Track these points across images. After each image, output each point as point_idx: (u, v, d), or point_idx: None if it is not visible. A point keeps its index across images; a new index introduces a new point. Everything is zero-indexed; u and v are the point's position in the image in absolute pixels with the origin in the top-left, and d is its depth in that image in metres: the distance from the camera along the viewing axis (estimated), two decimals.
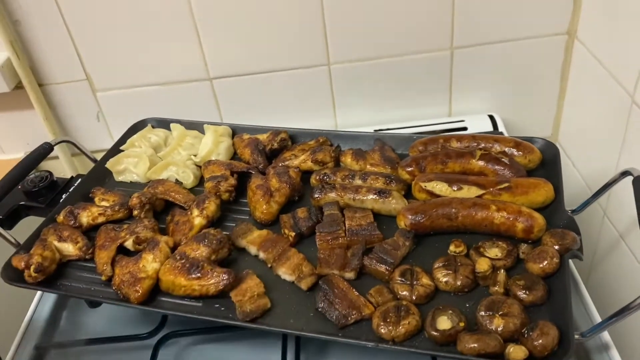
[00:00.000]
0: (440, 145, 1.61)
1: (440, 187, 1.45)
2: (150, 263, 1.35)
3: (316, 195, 1.52)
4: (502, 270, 1.25)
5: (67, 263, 1.46)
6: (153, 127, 1.90)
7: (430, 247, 1.37)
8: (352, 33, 1.89)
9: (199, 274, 1.30)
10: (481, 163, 1.50)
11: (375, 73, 1.97)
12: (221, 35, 1.89)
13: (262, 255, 1.40)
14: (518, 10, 1.84)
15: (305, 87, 2.01)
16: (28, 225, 1.64)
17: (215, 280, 1.28)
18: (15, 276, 1.39)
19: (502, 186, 1.40)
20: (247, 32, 1.88)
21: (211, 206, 1.49)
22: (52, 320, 1.54)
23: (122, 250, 1.44)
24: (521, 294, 1.19)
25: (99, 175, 1.75)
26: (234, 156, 1.79)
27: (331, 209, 1.46)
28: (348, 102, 2.06)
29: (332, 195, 1.50)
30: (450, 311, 1.17)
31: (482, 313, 1.15)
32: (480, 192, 1.41)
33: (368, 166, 1.61)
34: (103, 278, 1.38)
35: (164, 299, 1.34)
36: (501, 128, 1.95)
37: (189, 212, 1.50)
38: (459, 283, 1.24)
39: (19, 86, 1.95)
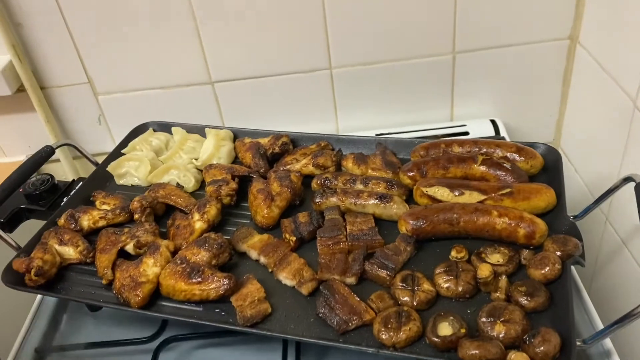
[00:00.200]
0: (441, 150, 1.60)
1: (441, 192, 1.44)
2: (150, 267, 1.34)
3: (317, 200, 1.52)
4: (504, 276, 1.24)
5: (67, 267, 1.46)
6: (154, 130, 1.90)
7: (432, 252, 1.37)
8: (353, 37, 1.89)
9: (199, 279, 1.30)
10: (483, 168, 1.50)
11: (377, 77, 1.97)
12: (223, 38, 1.89)
13: (262, 259, 1.40)
14: (520, 15, 1.84)
15: (307, 91, 2.01)
16: (29, 228, 1.64)
17: (216, 284, 1.28)
18: (15, 279, 1.39)
19: (504, 192, 1.40)
20: (249, 36, 1.88)
21: (212, 210, 1.49)
22: (53, 324, 1.54)
23: (122, 254, 1.44)
24: (523, 300, 1.18)
25: (100, 179, 1.76)
26: (235, 160, 1.79)
27: (332, 214, 1.46)
28: (349, 106, 2.06)
29: (334, 199, 1.50)
30: (452, 317, 1.16)
31: (484, 319, 1.15)
32: (482, 197, 1.41)
33: (369, 171, 1.61)
34: (103, 282, 1.38)
35: (164, 303, 1.33)
36: (503, 133, 1.95)
37: (190, 216, 1.49)
38: (460, 289, 1.24)
39: (20, 89, 1.95)
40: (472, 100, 2.04)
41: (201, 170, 1.72)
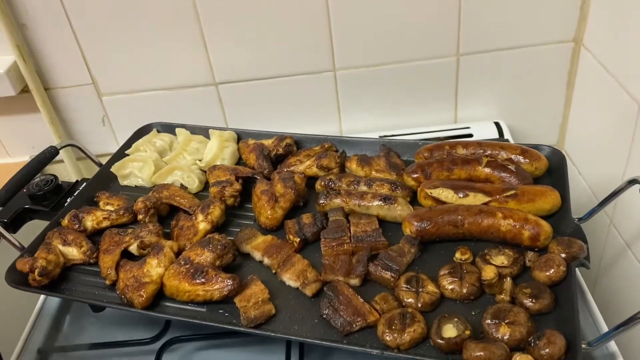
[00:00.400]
0: (446, 152, 1.60)
1: (446, 194, 1.44)
2: (154, 268, 1.34)
3: (321, 201, 1.51)
4: (508, 278, 1.24)
5: (71, 267, 1.46)
6: (158, 131, 1.90)
7: (436, 254, 1.37)
8: (357, 39, 1.89)
9: (203, 279, 1.29)
10: (487, 170, 1.50)
11: (381, 79, 1.97)
12: (227, 40, 1.89)
13: (266, 260, 1.39)
14: (524, 17, 1.84)
15: (311, 92, 2.01)
16: (33, 228, 1.64)
17: (220, 285, 1.28)
18: (19, 280, 1.39)
19: (508, 193, 1.40)
20: (253, 37, 1.89)
21: (216, 211, 1.49)
22: (56, 324, 1.54)
23: (126, 254, 1.43)
24: (527, 302, 1.18)
25: (104, 180, 1.76)
26: (239, 161, 1.79)
27: (336, 215, 1.45)
28: (353, 108, 2.06)
29: (337, 201, 1.50)
30: (456, 319, 1.16)
31: (488, 321, 1.15)
32: (487, 199, 1.41)
33: (373, 172, 1.61)
34: (107, 282, 1.38)
35: (167, 304, 1.33)
36: (507, 135, 1.95)
37: (194, 217, 1.49)
38: (464, 291, 1.23)
39: (25, 90, 1.95)
40: (476, 102, 2.04)
41: (205, 172, 1.72)
